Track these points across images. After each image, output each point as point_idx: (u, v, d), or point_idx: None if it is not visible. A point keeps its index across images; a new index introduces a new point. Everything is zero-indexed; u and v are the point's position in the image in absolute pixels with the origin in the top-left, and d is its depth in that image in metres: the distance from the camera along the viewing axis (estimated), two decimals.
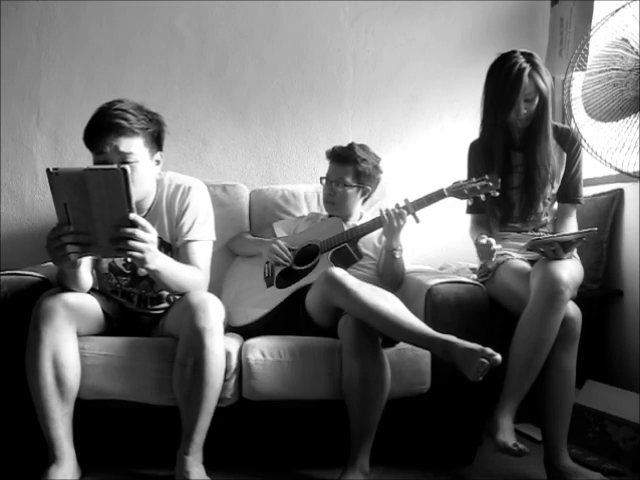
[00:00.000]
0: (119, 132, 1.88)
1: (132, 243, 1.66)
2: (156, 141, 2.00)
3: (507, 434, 1.88)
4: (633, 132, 2.30)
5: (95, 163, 1.91)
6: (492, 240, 2.11)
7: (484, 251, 2.13)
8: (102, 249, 1.69)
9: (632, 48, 2.28)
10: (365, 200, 2.52)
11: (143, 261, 1.72)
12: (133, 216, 1.64)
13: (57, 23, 2.83)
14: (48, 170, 1.57)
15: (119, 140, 1.88)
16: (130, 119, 1.89)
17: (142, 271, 2.02)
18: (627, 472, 2.03)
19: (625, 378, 2.40)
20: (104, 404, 1.96)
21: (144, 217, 1.93)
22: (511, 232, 2.31)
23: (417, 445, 2.10)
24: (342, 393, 1.95)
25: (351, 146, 2.44)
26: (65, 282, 1.90)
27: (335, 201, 2.45)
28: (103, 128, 1.88)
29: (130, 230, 1.65)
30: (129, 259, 1.87)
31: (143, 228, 1.67)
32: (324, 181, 2.49)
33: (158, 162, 2.03)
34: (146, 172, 1.97)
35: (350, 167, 2.41)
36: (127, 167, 1.58)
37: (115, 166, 1.63)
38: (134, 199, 1.63)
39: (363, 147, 2.45)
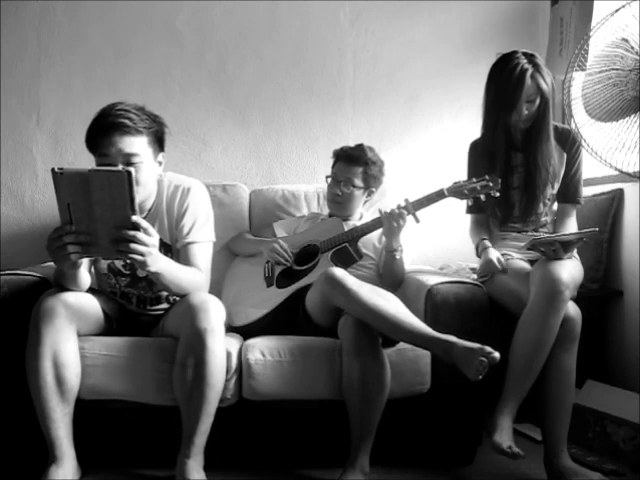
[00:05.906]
0: (123, 131, 1.86)
1: (133, 246, 1.65)
2: (159, 142, 1.99)
3: (504, 435, 1.88)
4: (633, 132, 2.30)
5: (98, 166, 1.89)
6: (502, 260, 2.12)
7: (489, 266, 2.13)
8: (103, 250, 1.68)
9: (632, 48, 2.28)
10: (366, 201, 2.52)
11: (144, 264, 1.72)
12: (135, 218, 1.64)
13: (57, 23, 2.83)
14: (53, 170, 1.57)
15: (123, 140, 1.87)
16: (133, 118, 1.88)
17: (141, 272, 2.02)
18: (627, 472, 2.03)
19: (625, 378, 2.40)
20: (104, 404, 1.96)
21: (144, 218, 1.92)
22: (511, 232, 2.31)
23: (417, 445, 2.10)
24: (342, 393, 1.95)
25: (361, 147, 2.44)
26: (63, 282, 1.90)
27: (341, 201, 2.44)
28: (106, 128, 1.86)
29: (132, 232, 1.64)
30: (129, 261, 1.86)
31: (145, 231, 1.67)
32: (329, 180, 2.48)
33: (160, 163, 2.02)
34: (150, 173, 1.96)
35: (360, 169, 2.41)
36: (132, 169, 1.58)
37: (120, 168, 1.63)
38: (137, 200, 1.63)
39: (371, 149, 2.45)
